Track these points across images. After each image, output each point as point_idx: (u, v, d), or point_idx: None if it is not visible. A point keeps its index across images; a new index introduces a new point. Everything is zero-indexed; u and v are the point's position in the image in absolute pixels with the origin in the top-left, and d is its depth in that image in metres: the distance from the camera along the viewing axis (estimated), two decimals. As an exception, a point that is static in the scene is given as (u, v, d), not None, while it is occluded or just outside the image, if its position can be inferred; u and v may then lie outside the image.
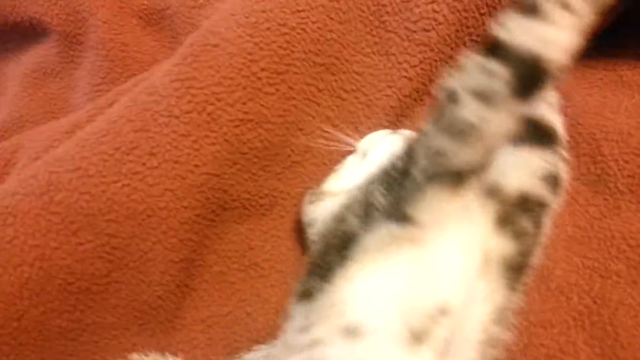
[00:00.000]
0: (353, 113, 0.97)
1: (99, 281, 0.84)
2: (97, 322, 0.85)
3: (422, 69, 0.96)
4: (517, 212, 0.67)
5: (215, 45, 0.88)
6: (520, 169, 0.69)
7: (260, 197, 0.94)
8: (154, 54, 1.23)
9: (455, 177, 0.59)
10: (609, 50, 0.99)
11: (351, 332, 0.59)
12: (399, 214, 0.61)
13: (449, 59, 0.97)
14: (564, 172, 0.73)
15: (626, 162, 0.86)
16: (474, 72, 0.56)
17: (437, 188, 0.59)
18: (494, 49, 0.55)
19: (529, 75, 0.54)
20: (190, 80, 0.87)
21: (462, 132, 0.57)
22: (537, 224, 0.69)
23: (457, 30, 0.95)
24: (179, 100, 0.87)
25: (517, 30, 0.55)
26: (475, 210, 0.65)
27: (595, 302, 0.79)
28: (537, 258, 0.70)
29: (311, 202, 0.87)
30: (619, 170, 0.86)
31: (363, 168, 0.82)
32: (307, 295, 0.66)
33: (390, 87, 0.97)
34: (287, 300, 0.82)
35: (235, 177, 0.91)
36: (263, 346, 0.79)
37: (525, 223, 0.67)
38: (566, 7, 0.54)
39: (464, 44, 0.97)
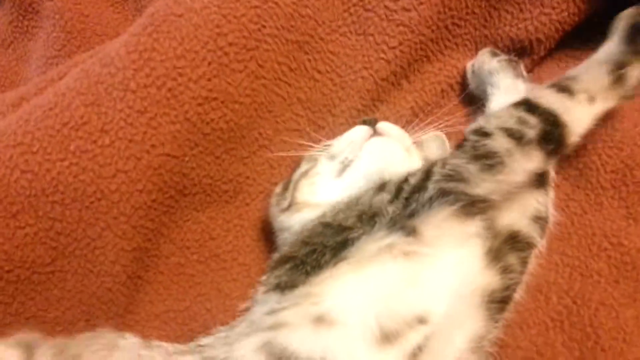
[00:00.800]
0: (326, 95, 0.91)
1: (41, 270, 0.76)
2: (38, 316, 0.77)
3: (401, 51, 0.90)
4: (506, 249, 0.70)
5: (179, 16, 0.81)
6: (514, 207, 0.72)
7: (224, 183, 0.88)
8: (116, 27, 1.15)
9: (469, 205, 0.66)
10: (593, 42, 0.96)
11: (321, 321, 0.61)
12: (406, 225, 0.66)
13: (429, 42, 0.92)
14: (551, 214, 0.76)
15: (609, 156, 0.82)
16: (507, 117, 0.69)
17: (448, 210, 0.66)
18: (527, 105, 0.70)
19: (551, 131, 0.68)
20: (149, 52, 0.79)
21: (488, 159, 0.66)
22: (524, 263, 0.72)
23: (439, 12, 0.90)
24: (135, 73, 0.79)
25: (549, 98, 0.71)
26: (471, 240, 0.68)
27: (575, 302, 0.75)
28: (519, 294, 0.72)
29: (283, 210, 0.82)
30: (602, 165, 0.82)
31: (347, 179, 0.79)
32: (283, 287, 0.67)
33: (366, 68, 0.91)
34: (249, 296, 0.76)
35: (196, 159, 0.84)
36: (222, 328, 0.72)
37: (513, 260, 0.70)
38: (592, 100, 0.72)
39: (446, 26, 0.92)
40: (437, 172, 0.67)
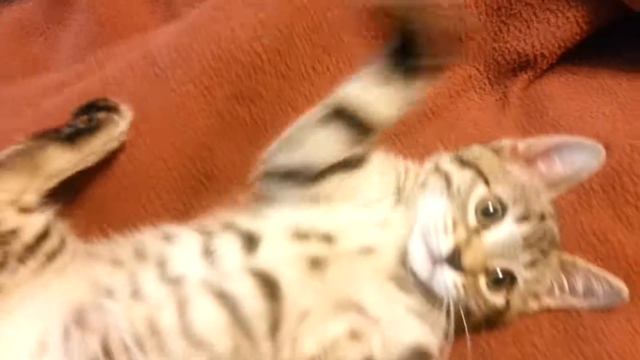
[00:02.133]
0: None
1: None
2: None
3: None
4: None
5: (218, 21, 0.88)
6: None
7: (247, 171, 0.95)
8: (146, 21, 1.22)
9: None
10: (591, 59, 1.04)
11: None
12: None
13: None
14: None
15: (600, 163, 0.90)
16: None
17: None
18: None
19: None
20: (188, 52, 0.87)
21: None
22: None
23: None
24: (175, 72, 0.87)
25: None
26: None
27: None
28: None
29: None
30: (593, 170, 0.91)
31: None
32: None
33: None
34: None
35: (223, 148, 0.92)
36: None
37: None
38: None
39: (459, 38, 1.00)
40: None
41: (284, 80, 0.93)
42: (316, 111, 0.76)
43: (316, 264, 0.72)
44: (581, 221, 0.88)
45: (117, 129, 0.82)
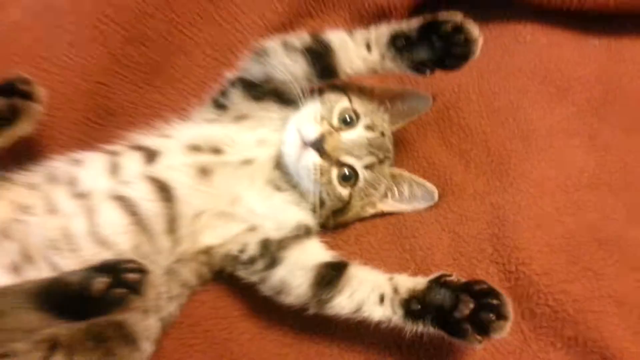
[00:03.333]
0: (229, 39, 1.14)
1: None
2: None
3: (289, 6, 1.14)
4: None
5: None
6: None
7: (144, 107, 1.10)
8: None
9: None
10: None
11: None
12: None
13: (312, 1, 1.16)
14: None
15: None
16: None
17: None
18: None
19: None
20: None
21: None
22: None
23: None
24: (73, 17, 1.00)
25: None
26: None
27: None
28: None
29: None
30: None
31: None
32: None
33: (261, 19, 1.14)
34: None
35: (120, 87, 1.06)
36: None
37: None
38: None
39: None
40: None
41: (173, 26, 1.07)
42: (293, 41, 0.95)
43: (204, 171, 0.91)
44: (416, 148, 1.11)
45: (34, 117, 0.92)
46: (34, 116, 0.91)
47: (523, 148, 1.05)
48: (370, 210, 1.02)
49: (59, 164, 0.92)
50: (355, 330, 0.92)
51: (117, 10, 1.01)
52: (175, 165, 0.90)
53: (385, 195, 1.01)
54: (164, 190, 0.88)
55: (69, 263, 0.82)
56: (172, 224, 0.87)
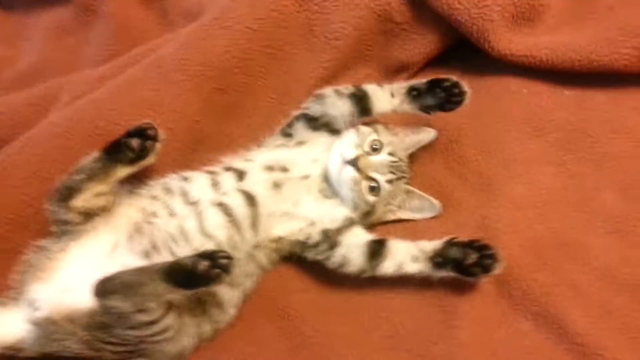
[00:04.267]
0: (287, 86, 1.50)
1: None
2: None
3: (331, 64, 1.51)
4: None
5: (206, 37, 1.41)
6: None
7: (224, 137, 1.48)
8: (148, 25, 1.71)
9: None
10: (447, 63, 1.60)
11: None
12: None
13: (350, 58, 1.53)
14: None
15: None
16: None
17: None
18: None
19: None
20: (184, 61, 1.39)
21: None
22: None
23: (357, 41, 1.51)
24: (176, 73, 1.38)
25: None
26: None
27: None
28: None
29: None
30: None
31: None
32: None
33: (312, 71, 1.51)
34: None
35: (208, 123, 1.43)
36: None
37: None
38: None
39: (360, 49, 1.52)
40: None
41: (246, 77, 1.44)
42: (342, 89, 1.36)
43: (277, 185, 1.29)
44: (427, 171, 1.45)
45: (157, 152, 1.24)
46: (156, 152, 1.25)
47: (506, 173, 1.37)
48: (391, 217, 1.38)
49: (172, 181, 1.29)
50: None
51: (209, 67, 1.38)
52: (257, 181, 1.28)
53: (401, 206, 1.37)
54: (250, 199, 1.25)
55: (184, 251, 1.16)
56: (254, 222, 1.25)
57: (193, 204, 1.24)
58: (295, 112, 1.39)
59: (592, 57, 1.42)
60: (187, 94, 1.39)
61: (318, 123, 1.36)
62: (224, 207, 1.23)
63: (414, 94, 1.31)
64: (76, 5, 1.69)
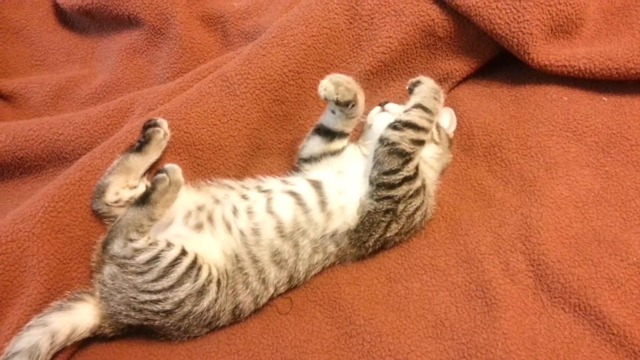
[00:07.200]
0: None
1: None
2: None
3: (373, 73, 1.65)
4: None
5: (264, 55, 1.55)
6: None
7: (279, 144, 1.62)
8: (210, 46, 1.88)
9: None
10: (488, 74, 1.69)
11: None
12: None
13: (394, 69, 1.65)
14: None
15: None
16: None
17: None
18: None
19: None
20: (245, 75, 1.54)
21: None
22: None
23: (404, 51, 1.63)
24: (239, 87, 1.53)
25: None
26: None
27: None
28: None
29: None
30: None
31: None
32: None
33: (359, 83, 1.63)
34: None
35: (266, 131, 1.59)
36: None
37: None
38: None
39: (406, 59, 1.65)
40: None
41: (300, 90, 1.59)
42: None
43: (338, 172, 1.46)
44: (470, 174, 1.55)
45: (160, 134, 1.43)
46: (160, 140, 1.45)
47: (547, 175, 1.45)
48: None
49: (249, 181, 1.49)
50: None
51: (268, 81, 1.54)
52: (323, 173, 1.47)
53: None
54: (317, 185, 1.41)
55: (240, 224, 1.36)
56: (322, 202, 1.38)
57: (265, 191, 1.42)
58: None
59: (629, 65, 1.50)
60: (248, 105, 1.54)
61: None
62: (293, 193, 1.40)
63: None
64: (146, 28, 1.87)
